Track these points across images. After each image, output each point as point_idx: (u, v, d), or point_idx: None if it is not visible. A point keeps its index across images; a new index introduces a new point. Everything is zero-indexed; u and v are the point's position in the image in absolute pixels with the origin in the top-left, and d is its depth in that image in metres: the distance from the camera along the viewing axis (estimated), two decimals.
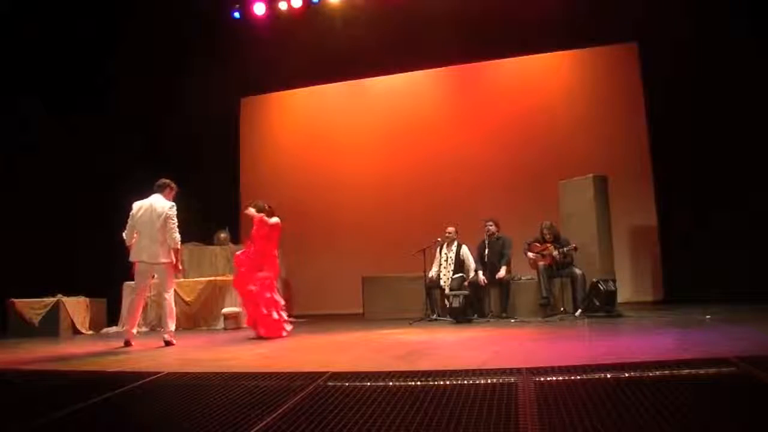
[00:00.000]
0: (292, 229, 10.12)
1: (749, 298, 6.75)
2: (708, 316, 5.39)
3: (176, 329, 5.77)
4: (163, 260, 5.45)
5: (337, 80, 10.70)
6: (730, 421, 1.92)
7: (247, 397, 2.53)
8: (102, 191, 9.21)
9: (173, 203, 5.56)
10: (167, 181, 5.70)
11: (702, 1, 8.00)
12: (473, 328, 5.93)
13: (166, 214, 5.45)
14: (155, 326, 7.68)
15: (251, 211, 6.08)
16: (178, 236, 5.46)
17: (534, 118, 9.56)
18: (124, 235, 5.59)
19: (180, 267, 5.55)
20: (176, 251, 5.46)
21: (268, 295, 5.85)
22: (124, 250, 5.64)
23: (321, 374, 2.75)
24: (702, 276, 7.76)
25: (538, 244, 7.10)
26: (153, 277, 5.63)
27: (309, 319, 8.77)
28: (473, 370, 2.68)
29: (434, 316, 7.34)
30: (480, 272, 7.21)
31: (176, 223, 5.46)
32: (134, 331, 5.57)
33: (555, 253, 6.84)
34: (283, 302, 6.11)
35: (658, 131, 8.71)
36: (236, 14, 10.32)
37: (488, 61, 10.01)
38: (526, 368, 2.57)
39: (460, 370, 2.66)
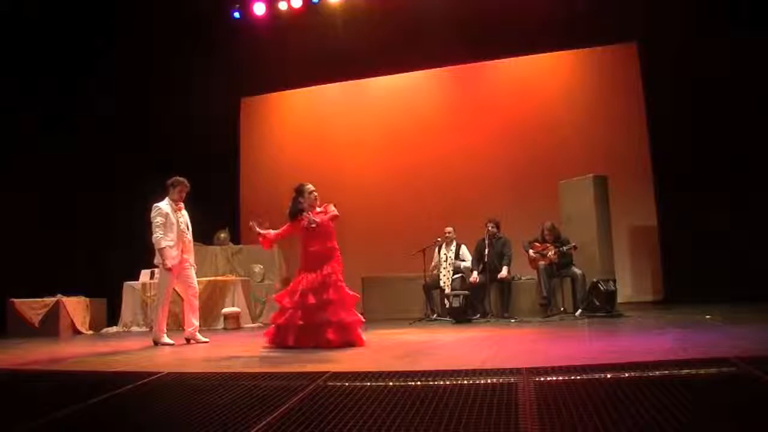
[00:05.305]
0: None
1: (749, 298, 6.75)
2: (708, 316, 5.39)
3: (176, 329, 5.76)
4: (156, 262, 5.51)
5: (337, 80, 10.69)
6: (730, 421, 1.92)
7: (247, 397, 2.52)
8: (102, 191, 9.21)
9: (154, 205, 5.47)
10: (169, 180, 5.59)
11: (702, 1, 8.01)
12: (473, 328, 5.92)
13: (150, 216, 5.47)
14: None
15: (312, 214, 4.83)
16: (155, 236, 5.38)
17: (534, 118, 9.56)
18: None
19: (165, 265, 5.38)
20: (159, 251, 5.39)
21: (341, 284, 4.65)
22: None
23: (321, 374, 2.74)
24: (702, 276, 7.75)
25: (538, 244, 7.10)
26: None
27: None
28: (473, 370, 2.67)
29: (434, 316, 7.34)
30: (474, 272, 7.21)
31: (155, 224, 5.36)
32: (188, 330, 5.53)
33: (551, 253, 6.84)
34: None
35: (658, 131, 8.70)
36: (236, 14, 10.31)
37: (488, 62, 10.01)
38: (526, 368, 2.57)
39: (460, 370, 2.66)
